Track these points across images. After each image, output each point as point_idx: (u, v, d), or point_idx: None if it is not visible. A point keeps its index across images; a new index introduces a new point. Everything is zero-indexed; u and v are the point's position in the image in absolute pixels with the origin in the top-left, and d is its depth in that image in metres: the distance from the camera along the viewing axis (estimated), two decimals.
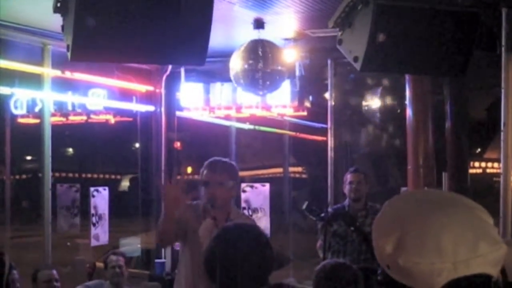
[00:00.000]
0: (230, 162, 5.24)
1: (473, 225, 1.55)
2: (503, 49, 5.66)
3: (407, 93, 7.25)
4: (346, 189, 6.99)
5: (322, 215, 6.52)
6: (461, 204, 1.62)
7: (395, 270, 1.58)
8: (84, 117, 9.99)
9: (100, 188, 8.46)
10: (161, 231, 4.83)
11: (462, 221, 1.55)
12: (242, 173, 6.77)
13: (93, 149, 26.13)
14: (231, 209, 5.10)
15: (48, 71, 7.64)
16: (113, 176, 29.60)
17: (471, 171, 13.33)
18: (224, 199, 4.98)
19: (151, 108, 9.26)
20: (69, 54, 4.38)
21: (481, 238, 1.53)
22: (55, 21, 4.60)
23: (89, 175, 28.97)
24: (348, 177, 7.00)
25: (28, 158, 28.06)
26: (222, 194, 4.98)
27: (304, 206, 6.39)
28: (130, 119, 10.32)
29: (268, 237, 2.92)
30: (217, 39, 5.40)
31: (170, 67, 8.87)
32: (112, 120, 10.02)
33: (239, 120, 9.91)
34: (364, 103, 14.40)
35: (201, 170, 5.06)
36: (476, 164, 19.43)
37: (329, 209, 7.03)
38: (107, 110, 9.83)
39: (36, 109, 9.26)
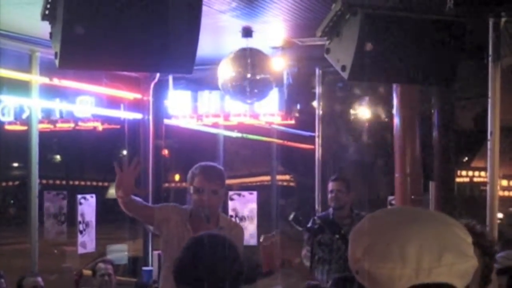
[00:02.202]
0: (220, 168, 5.18)
1: (441, 237, 1.59)
2: (490, 58, 5.69)
3: (395, 102, 7.26)
4: (328, 197, 6.95)
5: (309, 225, 6.50)
6: (437, 220, 1.66)
7: (362, 275, 1.62)
8: (72, 124, 9.94)
9: (87, 196, 8.42)
10: (123, 207, 4.89)
11: (431, 233, 1.59)
12: (230, 181, 6.75)
13: (80, 156, 26.07)
14: (220, 216, 5.07)
15: (36, 78, 7.63)
16: (100, 184, 29.50)
17: (458, 180, 13.38)
18: (215, 207, 4.98)
19: (139, 115, 9.25)
20: (57, 61, 4.37)
21: (447, 249, 1.56)
22: (43, 28, 4.60)
23: (76, 182, 28.88)
24: (329, 185, 6.95)
25: (15, 165, 27.95)
26: (216, 203, 4.97)
27: (290, 217, 6.36)
28: (118, 126, 10.30)
29: (237, 250, 2.90)
30: (205, 47, 5.40)
31: (158, 75, 8.86)
32: (99, 127, 9.98)
33: (227, 128, 9.91)
34: (352, 111, 14.44)
35: (190, 173, 5.00)
36: (463, 173, 19.47)
37: (315, 217, 7.00)
38: (95, 117, 9.79)
39: (24, 116, 9.20)
